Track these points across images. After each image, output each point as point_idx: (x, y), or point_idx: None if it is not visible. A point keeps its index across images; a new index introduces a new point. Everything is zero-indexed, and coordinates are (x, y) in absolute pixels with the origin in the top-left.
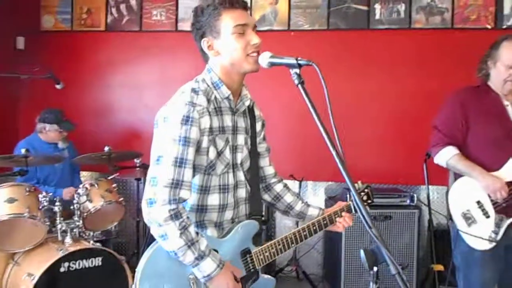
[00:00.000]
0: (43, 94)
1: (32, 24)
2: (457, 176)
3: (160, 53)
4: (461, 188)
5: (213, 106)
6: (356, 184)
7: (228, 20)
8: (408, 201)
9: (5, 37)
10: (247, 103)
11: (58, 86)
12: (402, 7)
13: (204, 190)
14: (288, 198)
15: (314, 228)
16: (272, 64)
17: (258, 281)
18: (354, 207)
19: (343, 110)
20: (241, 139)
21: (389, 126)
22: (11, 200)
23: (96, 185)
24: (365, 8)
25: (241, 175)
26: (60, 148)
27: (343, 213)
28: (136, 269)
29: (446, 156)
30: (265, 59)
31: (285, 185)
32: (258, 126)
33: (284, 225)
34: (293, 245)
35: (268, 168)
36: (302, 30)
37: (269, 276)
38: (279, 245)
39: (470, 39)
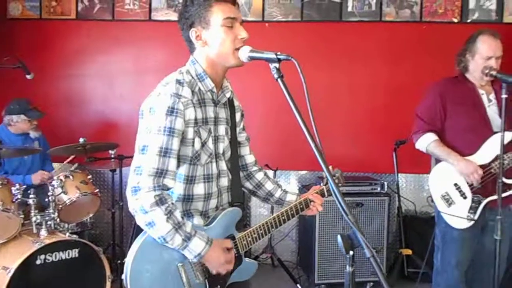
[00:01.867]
0: (12, 85)
1: None
2: (438, 161)
3: (133, 42)
4: (439, 172)
5: (197, 97)
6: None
7: (218, 12)
8: (378, 188)
9: None
10: (228, 95)
11: (28, 76)
12: (373, 0)
13: (190, 180)
14: (269, 186)
15: (292, 212)
16: (252, 58)
17: (242, 264)
18: (330, 193)
19: (316, 101)
20: (222, 129)
21: (361, 116)
22: None
23: (71, 177)
24: (338, 0)
25: (223, 165)
26: (32, 138)
27: (313, 196)
28: (126, 260)
29: (426, 142)
30: (245, 53)
31: (265, 174)
32: (238, 116)
33: (259, 213)
34: (273, 229)
35: (248, 157)
36: (277, 21)
37: (252, 260)
38: (260, 230)
39: (438, 32)
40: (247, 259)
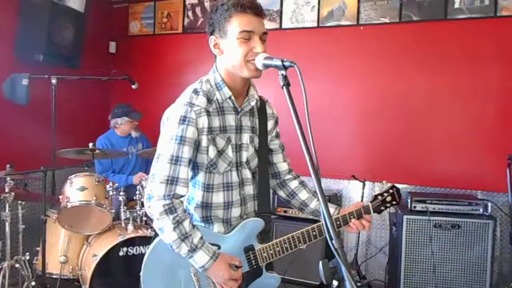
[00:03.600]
0: (128, 93)
1: (121, 30)
2: None
3: None
4: None
5: (215, 106)
6: (381, 184)
7: (236, 24)
8: (480, 209)
9: (100, 42)
10: (253, 103)
11: (133, 86)
12: None
13: (207, 187)
14: (303, 195)
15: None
16: (265, 66)
17: (262, 277)
18: (376, 210)
19: (416, 108)
20: (246, 137)
21: (467, 126)
22: (82, 189)
23: None
24: None
25: (247, 173)
26: (134, 137)
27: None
28: (144, 259)
29: None
30: (260, 60)
31: (302, 182)
32: (270, 124)
33: None
34: (300, 244)
35: (281, 165)
36: (372, 23)
37: (274, 274)
38: (284, 243)
39: None
40: (269, 273)
